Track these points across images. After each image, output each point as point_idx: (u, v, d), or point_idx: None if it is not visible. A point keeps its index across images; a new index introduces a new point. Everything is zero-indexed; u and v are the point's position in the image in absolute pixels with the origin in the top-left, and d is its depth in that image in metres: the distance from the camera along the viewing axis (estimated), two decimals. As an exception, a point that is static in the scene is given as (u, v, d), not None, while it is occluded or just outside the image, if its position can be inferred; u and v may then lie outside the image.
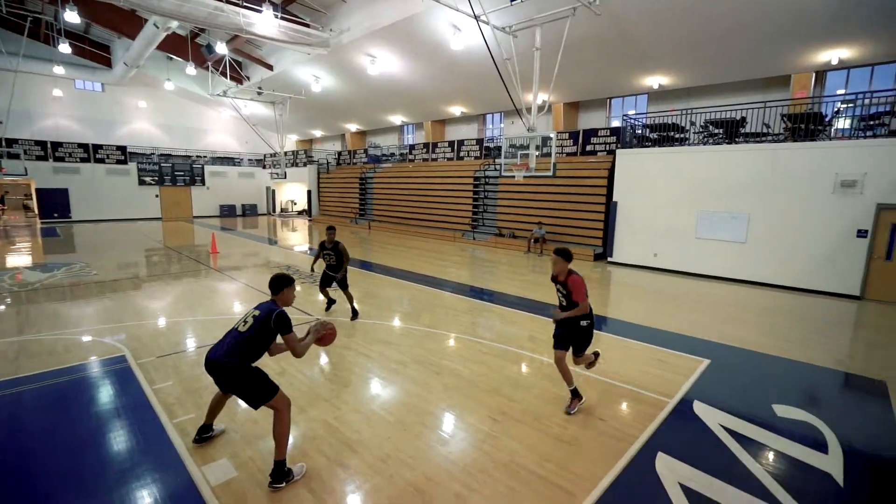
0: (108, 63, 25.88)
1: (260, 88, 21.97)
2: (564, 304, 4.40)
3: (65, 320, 7.07)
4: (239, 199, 30.23)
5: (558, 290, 4.42)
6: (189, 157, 28.96)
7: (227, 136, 32.11)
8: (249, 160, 31.81)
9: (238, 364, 3.19)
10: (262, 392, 3.25)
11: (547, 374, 5.23)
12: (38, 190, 23.36)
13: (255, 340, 3.22)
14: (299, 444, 3.71)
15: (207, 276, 10.77)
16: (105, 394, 4.61)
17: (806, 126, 10.26)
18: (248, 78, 23.66)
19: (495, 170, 17.53)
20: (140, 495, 3.07)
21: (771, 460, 3.65)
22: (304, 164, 28.16)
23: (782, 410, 4.47)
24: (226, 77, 22.59)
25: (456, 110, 21.27)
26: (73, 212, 24.00)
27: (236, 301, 8.50)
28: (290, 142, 35.09)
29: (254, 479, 3.25)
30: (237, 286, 9.68)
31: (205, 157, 29.77)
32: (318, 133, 32.29)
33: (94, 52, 24.65)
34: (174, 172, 27.38)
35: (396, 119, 24.80)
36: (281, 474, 3.16)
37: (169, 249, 15.21)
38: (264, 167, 31.36)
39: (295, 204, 31.18)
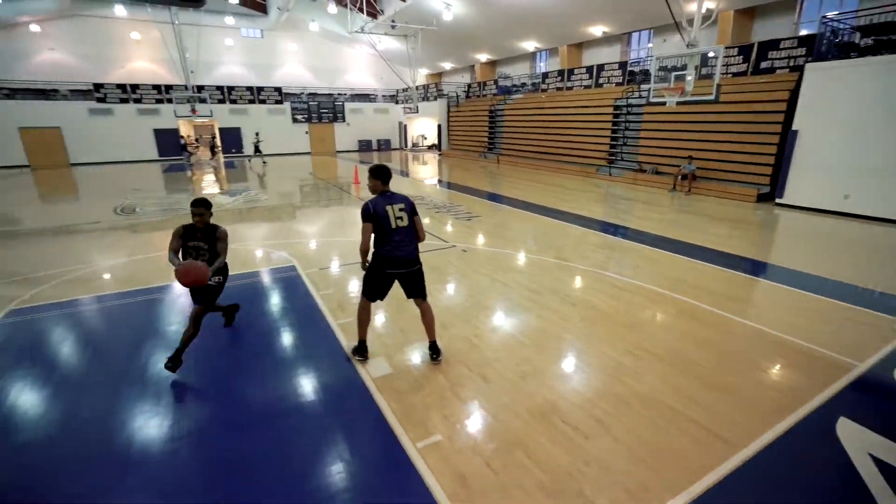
0: (263, 10, 28.45)
1: (393, 21, 22.19)
2: None
3: (242, 235, 8.49)
4: (374, 134, 32.08)
5: None
6: (332, 95, 31.21)
7: (364, 74, 33.63)
8: (384, 96, 33.14)
9: (418, 255, 3.71)
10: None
11: (691, 314, 4.78)
12: (220, 129, 27.63)
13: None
14: (443, 353, 4.01)
15: (351, 203, 11.86)
16: (282, 294, 5.49)
17: None
18: (383, 11, 24.01)
19: (640, 96, 15.62)
20: (316, 375, 3.67)
21: None
22: (435, 98, 28.41)
23: None
24: (362, 12, 23.24)
25: (596, 30, 19.08)
26: (245, 148, 28.03)
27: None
28: (421, 76, 35.48)
29: (407, 377, 3.63)
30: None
31: (345, 94, 31.80)
32: (447, 66, 32.01)
33: (253, 1, 27.23)
34: (320, 110, 29.93)
35: (529, 45, 23.24)
36: (438, 350, 3.85)
37: (318, 180, 17.01)
38: (397, 102, 32.45)
39: (425, 139, 32.06)
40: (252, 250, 7.46)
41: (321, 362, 3.90)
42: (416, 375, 3.67)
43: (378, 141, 32.20)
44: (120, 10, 24.06)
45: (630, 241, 7.95)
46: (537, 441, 2.92)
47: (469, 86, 27.77)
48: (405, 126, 32.16)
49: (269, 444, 2.93)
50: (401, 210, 3.54)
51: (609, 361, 3.90)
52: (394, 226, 3.50)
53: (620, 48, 19.85)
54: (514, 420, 3.13)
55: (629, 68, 17.19)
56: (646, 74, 15.73)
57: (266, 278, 6.08)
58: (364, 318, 3.80)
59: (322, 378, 3.67)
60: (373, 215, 3.46)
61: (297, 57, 31.08)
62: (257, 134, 23.82)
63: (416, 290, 3.71)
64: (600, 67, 18.34)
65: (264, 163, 22.65)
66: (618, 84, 17.55)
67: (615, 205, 11.60)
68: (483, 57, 27.36)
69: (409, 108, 25.04)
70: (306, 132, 29.71)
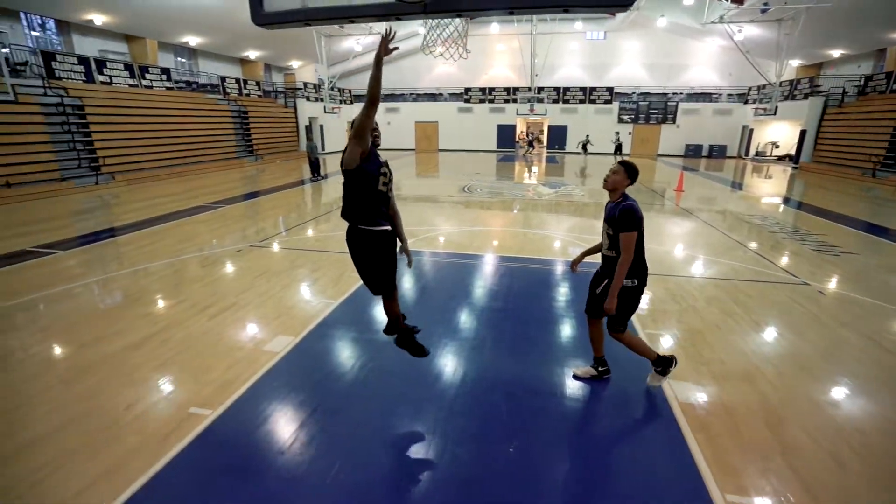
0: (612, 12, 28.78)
1: (766, 4, 18.54)
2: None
3: (550, 224, 9.05)
4: (707, 138, 28.18)
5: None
6: (665, 94, 29.08)
7: (708, 70, 29.73)
8: (729, 95, 28.55)
9: None
10: None
11: None
12: (549, 126, 30.26)
13: None
14: (727, 403, 3.21)
15: (663, 211, 10.95)
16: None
17: None
18: (754, -6, 20.34)
19: None
20: (618, 375, 3.57)
21: None
22: (805, 97, 22.49)
23: None
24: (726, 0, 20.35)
25: None
26: (567, 145, 29.72)
27: (695, 238, 8.15)
28: (789, 69, 28.67)
29: (718, 412, 3.11)
30: (695, 225, 9.28)
31: (680, 94, 29.06)
32: (835, 53, 24.63)
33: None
34: (649, 111, 28.48)
35: None
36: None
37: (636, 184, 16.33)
38: (746, 102, 27.36)
39: (777, 147, 25.99)
40: (552, 239, 7.92)
41: (625, 365, 3.68)
42: (731, 417, 3.07)
43: (711, 146, 28.20)
44: (494, 28, 29.63)
45: None
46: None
47: (867, 78, 20.64)
48: (751, 130, 26.86)
49: (549, 420, 3.08)
50: None
51: None
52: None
53: None
54: (882, 536, 2.22)
55: None
56: None
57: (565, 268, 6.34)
58: (640, 341, 3.37)
59: (623, 380, 3.52)
60: (640, 220, 2.99)
61: (634, 56, 30.26)
62: (617, 133, 24.95)
63: None
64: None
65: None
66: None
67: None
68: (905, 37, 19.67)
69: (764, 110, 20.76)
70: (629, 133, 28.91)
